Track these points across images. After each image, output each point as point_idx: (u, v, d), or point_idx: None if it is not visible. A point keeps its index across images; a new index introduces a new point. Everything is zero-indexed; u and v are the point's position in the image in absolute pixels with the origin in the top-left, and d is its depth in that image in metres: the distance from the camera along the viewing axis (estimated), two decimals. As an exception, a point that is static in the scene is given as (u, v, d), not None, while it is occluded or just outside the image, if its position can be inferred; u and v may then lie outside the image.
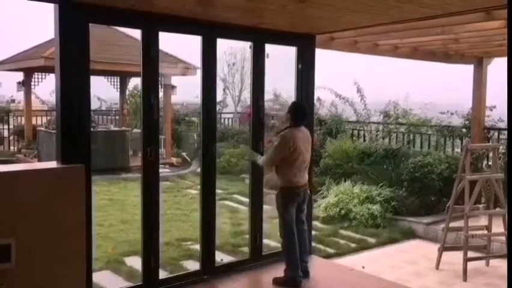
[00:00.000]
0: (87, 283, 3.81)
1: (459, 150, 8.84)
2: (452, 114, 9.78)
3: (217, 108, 17.36)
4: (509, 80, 1.63)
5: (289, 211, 4.57)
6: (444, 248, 5.73)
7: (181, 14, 4.22)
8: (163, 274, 4.63)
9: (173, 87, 14.73)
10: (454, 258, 5.62)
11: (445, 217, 5.97)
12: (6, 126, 15.37)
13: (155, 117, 4.35)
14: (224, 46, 17.15)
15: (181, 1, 3.79)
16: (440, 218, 6.93)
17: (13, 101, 21.62)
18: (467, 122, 8.99)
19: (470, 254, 5.55)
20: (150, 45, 4.23)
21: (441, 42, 6.49)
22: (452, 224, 5.83)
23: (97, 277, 4.41)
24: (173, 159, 12.60)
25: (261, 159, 4.74)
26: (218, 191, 9.84)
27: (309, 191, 4.82)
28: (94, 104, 15.59)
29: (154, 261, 4.38)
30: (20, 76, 14.22)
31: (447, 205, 5.95)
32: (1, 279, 2.65)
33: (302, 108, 4.78)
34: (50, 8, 3.75)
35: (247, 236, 5.29)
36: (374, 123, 11.12)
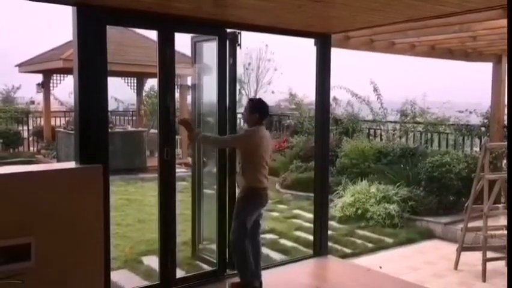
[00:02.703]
0: (105, 282, 3.86)
1: (478, 149, 8.73)
2: (470, 112, 9.66)
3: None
4: (509, 80, 1.64)
5: (252, 215, 4.33)
6: (463, 248, 5.67)
7: (197, 15, 4.24)
8: (180, 273, 4.67)
9: (189, 87, 14.81)
10: (473, 258, 5.55)
11: (464, 217, 5.89)
12: (25, 127, 15.61)
13: (172, 117, 4.39)
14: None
15: (197, 2, 3.82)
16: (459, 218, 6.85)
17: (32, 102, 22.02)
18: (486, 121, 8.87)
19: (490, 254, 5.47)
20: (166, 46, 4.27)
21: (459, 40, 6.41)
22: (471, 224, 5.75)
23: (114, 276, 4.45)
24: (190, 159, 12.65)
25: (202, 134, 4.46)
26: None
27: (268, 194, 4.56)
28: (111, 105, 15.74)
29: (171, 261, 4.42)
30: (39, 78, 14.45)
31: (465, 205, 5.88)
32: (21, 277, 2.69)
33: (266, 106, 4.53)
34: (68, 10, 3.80)
35: (265, 236, 5.29)
36: (390, 122, 11.04)
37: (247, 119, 4.46)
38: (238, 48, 4.71)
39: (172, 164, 4.44)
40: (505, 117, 8.37)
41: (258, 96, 17.37)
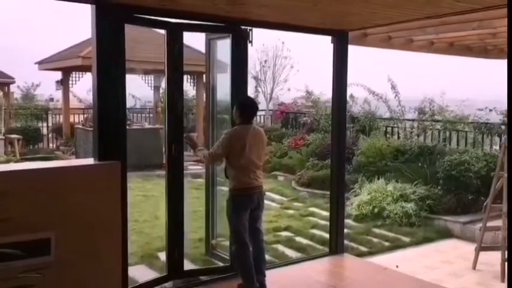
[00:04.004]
0: (123, 277, 3.91)
1: (497, 147, 8.59)
2: (490, 110, 9.52)
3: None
4: (509, 80, 1.63)
5: (240, 219, 4.17)
6: (481, 248, 5.59)
7: (210, 12, 4.23)
8: (188, 266, 4.77)
9: (205, 85, 14.85)
10: (492, 258, 5.48)
11: (483, 216, 5.82)
12: (45, 124, 15.86)
13: (180, 114, 4.46)
14: (256, 44, 17.20)
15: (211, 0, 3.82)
16: (478, 217, 6.76)
17: (52, 99, 22.36)
18: (506, 119, 8.73)
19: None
20: (174, 43, 4.34)
21: (479, 37, 6.31)
22: (490, 223, 5.67)
23: (132, 271, 4.50)
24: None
25: (203, 151, 4.36)
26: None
27: (264, 194, 4.38)
28: (129, 102, 15.88)
29: (179, 253, 4.51)
30: (58, 75, 14.65)
31: (484, 204, 5.80)
32: (41, 271, 2.74)
33: (251, 104, 4.41)
34: (88, 8, 3.84)
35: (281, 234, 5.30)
36: (408, 120, 10.93)
37: (233, 117, 4.43)
38: (249, 45, 4.69)
39: (180, 161, 4.49)
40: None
41: (274, 94, 17.45)
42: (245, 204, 4.21)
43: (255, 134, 4.30)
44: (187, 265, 4.89)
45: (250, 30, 4.66)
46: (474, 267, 5.58)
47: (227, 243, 4.86)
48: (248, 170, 4.18)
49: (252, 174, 4.21)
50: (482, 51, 7.53)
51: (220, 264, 5.00)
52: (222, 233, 5.15)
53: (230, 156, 4.20)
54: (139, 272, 4.98)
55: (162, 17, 4.23)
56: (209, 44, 5.10)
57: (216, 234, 5.28)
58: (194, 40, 4.44)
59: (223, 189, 5.01)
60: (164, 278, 4.55)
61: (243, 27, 4.62)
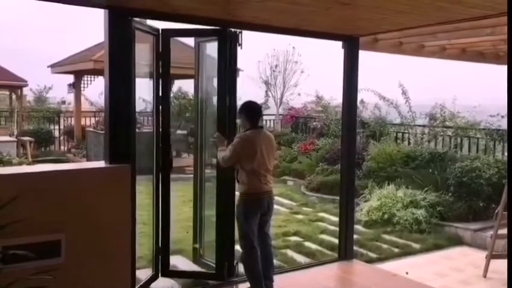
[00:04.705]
0: (132, 280, 3.93)
1: (509, 154, 8.50)
2: (502, 117, 9.42)
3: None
4: (509, 80, 1.62)
5: (249, 223, 4.17)
6: (492, 256, 5.54)
7: (199, 14, 4.19)
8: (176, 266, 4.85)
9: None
10: (503, 266, 5.39)
11: (494, 223, 5.76)
12: (57, 127, 16.00)
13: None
14: (266, 48, 17.22)
15: (206, 3, 3.82)
16: (489, 224, 6.69)
17: (63, 102, 22.56)
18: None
19: (521, 262, 5.33)
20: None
21: (491, 43, 6.27)
22: (501, 231, 5.61)
23: (140, 274, 4.52)
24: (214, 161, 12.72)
25: (221, 153, 4.31)
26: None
27: (273, 199, 4.42)
28: (139, 106, 15.96)
29: (164, 252, 4.64)
30: (70, 78, 14.79)
31: (496, 211, 5.74)
32: (52, 273, 2.76)
33: (255, 106, 4.42)
34: (100, 12, 3.89)
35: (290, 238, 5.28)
36: (419, 126, 10.87)
37: (240, 123, 4.43)
38: (239, 48, 4.55)
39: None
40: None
41: (284, 98, 17.45)
42: (255, 208, 4.21)
43: (265, 138, 4.31)
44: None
45: (240, 32, 4.51)
46: (485, 275, 5.52)
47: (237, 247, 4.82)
48: (259, 175, 4.19)
49: (263, 178, 4.22)
50: (494, 57, 7.48)
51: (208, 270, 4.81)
52: (210, 240, 4.93)
53: (242, 160, 4.21)
54: (147, 275, 4.99)
55: (174, 21, 4.26)
56: (198, 46, 4.90)
57: (204, 241, 5.05)
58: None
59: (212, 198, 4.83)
60: (153, 276, 4.59)
61: (232, 29, 4.47)
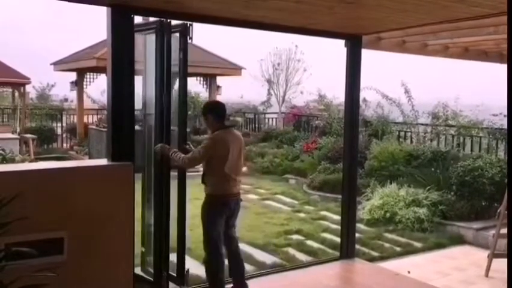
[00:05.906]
0: (133, 278, 3.93)
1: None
2: (505, 116, 9.38)
3: (261, 109, 17.51)
4: (509, 80, 1.61)
5: (215, 225, 4.05)
6: (494, 255, 5.53)
7: (216, 14, 4.22)
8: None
9: (218, 87, 14.94)
10: (505, 265, 5.39)
11: (496, 223, 5.76)
12: (59, 124, 16.02)
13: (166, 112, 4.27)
14: (269, 47, 17.22)
15: (227, 2, 3.84)
16: (491, 223, 6.68)
17: (66, 100, 22.61)
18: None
19: (523, 262, 5.32)
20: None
21: (494, 42, 6.25)
22: (504, 230, 5.60)
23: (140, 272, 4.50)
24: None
25: (178, 154, 4.05)
26: (261, 190, 9.90)
27: (240, 201, 4.27)
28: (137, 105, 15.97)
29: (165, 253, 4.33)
30: (73, 76, 14.80)
31: (498, 210, 5.74)
32: (55, 270, 2.77)
33: (219, 105, 4.32)
34: (103, 10, 3.89)
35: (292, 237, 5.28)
36: (421, 124, 10.86)
37: (206, 124, 4.33)
38: (190, 41, 4.17)
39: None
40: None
41: (286, 97, 17.44)
42: (221, 211, 4.10)
43: (236, 139, 4.18)
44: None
45: (191, 25, 4.12)
46: (487, 275, 5.51)
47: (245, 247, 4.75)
48: (229, 177, 4.07)
49: (232, 181, 4.11)
50: (498, 56, 7.46)
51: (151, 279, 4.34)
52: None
53: (213, 161, 4.05)
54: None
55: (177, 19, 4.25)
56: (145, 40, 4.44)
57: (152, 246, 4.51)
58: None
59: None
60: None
61: (185, 22, 4.11)
